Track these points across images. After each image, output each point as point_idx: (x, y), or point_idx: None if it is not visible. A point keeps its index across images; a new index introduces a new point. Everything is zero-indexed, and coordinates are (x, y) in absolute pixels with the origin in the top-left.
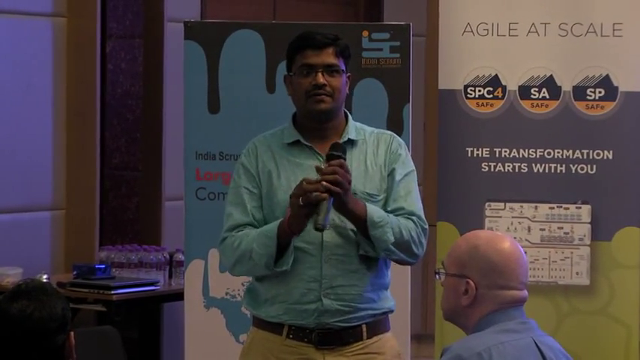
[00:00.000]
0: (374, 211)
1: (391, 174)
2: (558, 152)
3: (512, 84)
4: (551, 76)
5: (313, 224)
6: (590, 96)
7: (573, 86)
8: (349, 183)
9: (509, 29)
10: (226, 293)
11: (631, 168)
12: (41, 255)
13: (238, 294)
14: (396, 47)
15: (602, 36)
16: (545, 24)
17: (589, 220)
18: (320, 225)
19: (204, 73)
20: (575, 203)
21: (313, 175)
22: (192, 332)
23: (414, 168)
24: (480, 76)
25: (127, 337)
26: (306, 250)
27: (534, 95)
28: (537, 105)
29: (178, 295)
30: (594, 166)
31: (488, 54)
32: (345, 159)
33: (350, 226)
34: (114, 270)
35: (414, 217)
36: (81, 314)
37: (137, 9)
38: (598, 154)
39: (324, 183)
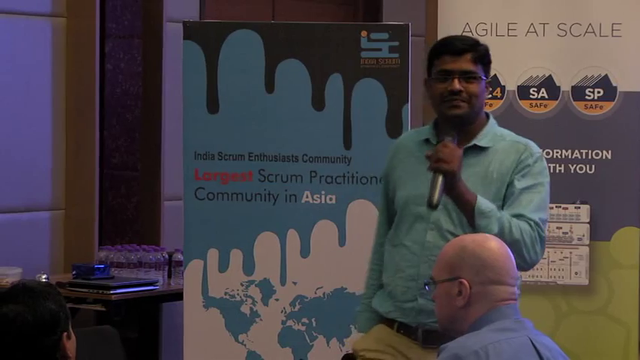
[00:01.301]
0: (484, 201)
1: (512, 183)
2: (557, 152)
3: (511, 84)
4: (550, 76)
5: (428, 199)
6: (589, 96)
7: (572, 86)
8: (455, 163)
9: (508, 29)
10: (225, 293)
11: (630, 168)
12: (40, 255)
13: (237, 294)
14: (395, 47)
15: (600, 36)
16: (544, 24)
17: (588, 220)
18: (429, 200)
19: (203, 73)
20: (574, 203)
21: (430, 175)
22: (191, 332)
23: (546, 180)
24: None
25: (126, 336)
26: (410, 248)
27: (533, 95)
28: (536, 105)
29: (177, 295)
30: (593, 166)
31: None
32: (454, 139)
33: (454, 230)
34: (113, 270)
35: (531, 222)
36: (80, 314)
37: (136, 9)
38: (597, 154)
39: (431, 164)
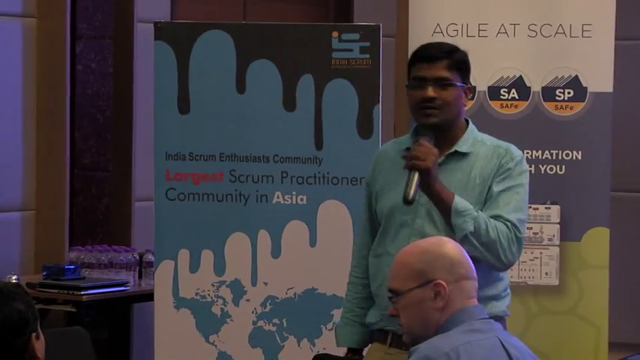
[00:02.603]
0: (461, 201)
1: (491, 186)
2: (527, 153)
3: (481, 85)
4: (520, 76)
5: (403, 195)
6: (560, 96)
7: (542, 87)
8: (429, 160)
9: (479, 30)
10: (196, 294)
11: (600, 168)
12: (11, 256)
13: (208, 294)
14: (366, 48)
15: (571, 37)
16: (515, 25)
17: (558, 221)
18: (405, 195)
19: (175, 73)
20: (544, 204)
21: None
22: (162, 333)
23: (524, 182)
24: None
25: (96, 337)
26: (395, 256)
27: (504, 96)
28: (507, 105)
29: (148, 296)
30: (563, 167)
31: None
32: (430, 139)
33: (437, 234)
34: (84, 270)
35: (508, 223)
36: (50, 315)
37: (107, 9)
38: (567, 155)
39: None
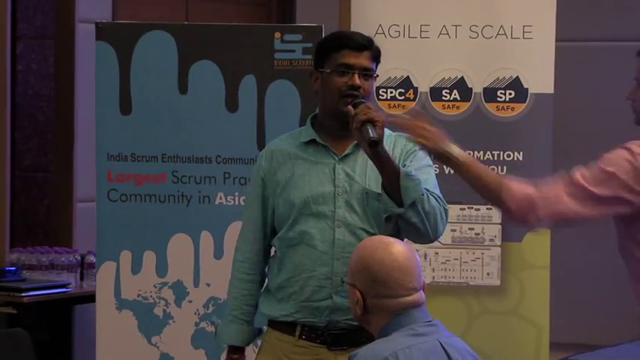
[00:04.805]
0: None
1: (405, 167)
2: (469, 153)
3: (423, 85)
4: (462, 77)
5: (367, 141)
6: (501, 97)
7: (484, 88)
8: (379, 114)
9: (421, 31)
10: (138, 295)
11: (540, 169)
12: None
13: (150, 296)
14: (309, 49)
15: (512, 38)
16: (456, 26)
17: (499, 221)
18: (371, 138)
19: (116, 74)
20: (485, 204)
21: (327, 174)
22: (103, 334)
23: (431, 163)
24: (392, 77)
25: (37, 339)
26: (318, 247)
27: (445, 97)
28: (448, 106)
29: (90, 297)
30: (505, 167)
31: (400, 56)
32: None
33: (361, 225)
34: (24, 272)
35: (434, 195)
36: None
37: (48, 9)
38: (508, 155)
39: (360, 116)
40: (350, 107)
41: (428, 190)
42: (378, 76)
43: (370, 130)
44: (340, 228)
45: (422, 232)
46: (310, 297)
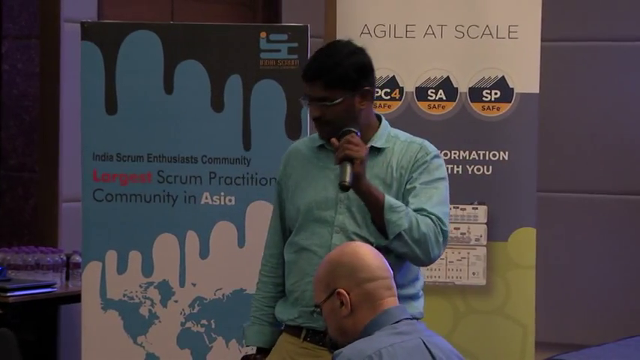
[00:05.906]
0: (392, 199)
1: (410, 181)
2: (455, 153)
3: (409, 85)
4: (447, 77)
5: (339, 183)
6: (486, 97)
7: (469, 88)
8: (362, 150)
9: (407, 31)
10: (124, 295)
11: (526, 169)
12: None
13: (136, 295)
14: (294, 48)
15: (497, 38)
16: (442, 26)
17: (485, 221)
18: (341, 182)
19: (102, 73)
20: (471, 204)
21: (332, 179)
22: (89, 334)
23: (443, 177)
24: (378, 77)
25: (23, 339)
26: (317, 252)
27: (431, 97)
28: (434, 106)
29: (75, 297)
30: (490, 167)
31: (386, 55)
32: (358, 134)
33: (359, 232)
34: (10, 272)
35: (432, 217)
36: None
37: (33, 9)
38: (494, 155)
39: (338, 153)
40: (334, 140)
41: (425, 211)
42: (354, 92)
43: (347, 170)
44: (338, 234)
45: (413, 259)
46: (309, 302)
